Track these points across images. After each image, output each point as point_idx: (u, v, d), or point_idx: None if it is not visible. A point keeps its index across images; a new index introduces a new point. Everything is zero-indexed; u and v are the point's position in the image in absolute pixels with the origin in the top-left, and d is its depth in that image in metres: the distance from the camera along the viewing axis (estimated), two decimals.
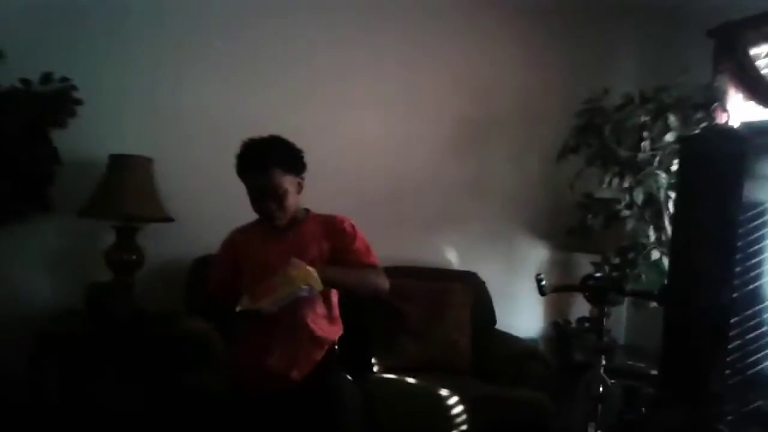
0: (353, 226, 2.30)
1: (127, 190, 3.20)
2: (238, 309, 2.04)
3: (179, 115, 3.52)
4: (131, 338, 3.05)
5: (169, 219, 3.31)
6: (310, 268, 2.06)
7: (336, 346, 2.32)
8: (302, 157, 2.26)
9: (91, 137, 3.34)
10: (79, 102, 3.27)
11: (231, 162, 3.23)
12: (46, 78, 3.24)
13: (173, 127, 3.51)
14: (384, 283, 2.26)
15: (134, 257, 3.25)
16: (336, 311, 2.30)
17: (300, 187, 2.24)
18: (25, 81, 3.19)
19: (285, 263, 2.07)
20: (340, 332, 2.31)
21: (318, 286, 2.06)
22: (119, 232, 3.23)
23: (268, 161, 2.19)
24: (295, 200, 2.23)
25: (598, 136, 3.49)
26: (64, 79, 3.26)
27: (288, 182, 2.19)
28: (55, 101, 3.24)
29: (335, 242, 2.25)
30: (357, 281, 2.23)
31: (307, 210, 2.31)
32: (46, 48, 3.32)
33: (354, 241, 2.27)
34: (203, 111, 3.54)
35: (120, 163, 3.24)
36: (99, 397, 3.05)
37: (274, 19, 3.65)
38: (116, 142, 3.32)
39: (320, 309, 2.24)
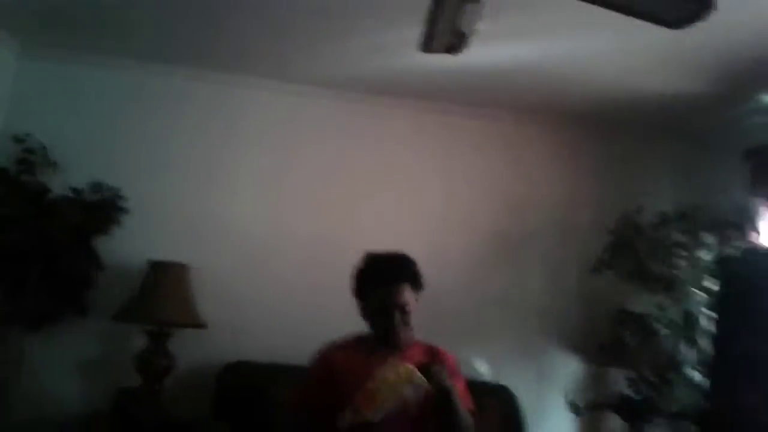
0: (458, 363, 2.25)
1: (162, 295, 3.26)
2: (340, 425, 1.93)
3: (217, 224, 3.64)
4: None
5: (202, 325, 3.34)
6: (409, 366, 1.98)
7: None
8: (422, 277, 2.23)
9: (133, 244, 3.47)
10: (125, 210, 3.40)
11: (266, 271, 3.32)
12: (97, 187, 3.40)
13: (211, 235, 3.62)
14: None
15: (165, 363, 3.27)
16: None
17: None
18: (75, 190, 3.35)
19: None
20: None
21: (422, 381, 1.95)
22: (151, 336, 3.27)
23: (401, 276, 2.18)
24: None
25: (632, 253, 3.47)
26: (112, 188, 3.41)
27: (413, 300, 2.18)
28: (103, 209, 3.40)
29: None
30: (463, 417, 2.10)
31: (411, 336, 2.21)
32: (97, 158, 3.51)
33: (458, 381, 2.19)
34: (242, 221, 3.68)
35: (158, 268, 3.32)
36: None
37: (312, 131, 3.81)
38: (156, 248, 3.44)
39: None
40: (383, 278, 2.17)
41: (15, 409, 3.21)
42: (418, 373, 1.96)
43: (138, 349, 3.27)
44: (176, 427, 3.09)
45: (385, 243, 3.55)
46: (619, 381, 3.67)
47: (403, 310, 2.14)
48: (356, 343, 2.22)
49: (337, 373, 2.13)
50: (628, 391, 3.38)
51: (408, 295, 2.16)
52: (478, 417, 2.17)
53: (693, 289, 3.30)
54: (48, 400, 3.32)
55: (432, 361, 2.13)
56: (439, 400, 2.05)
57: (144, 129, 3.63)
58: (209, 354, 3.42)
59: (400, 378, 1.94)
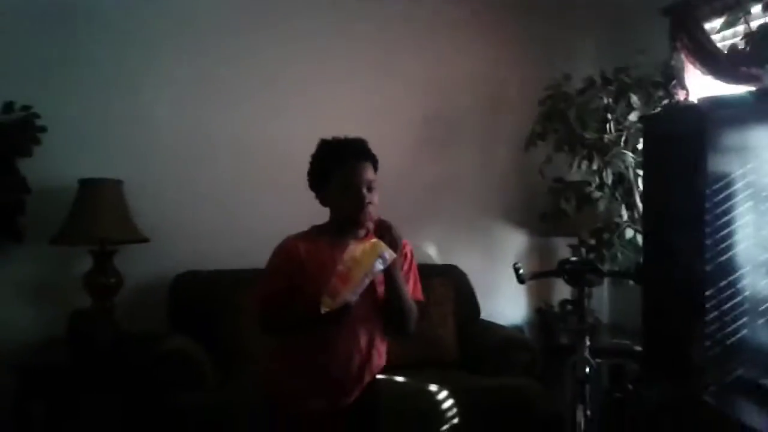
0: (413, 253, 2.24)
1: (99, 214, 3.18)
2: (323, 311, 1.91)
3: (145, 135, 3.52)
4: (115, 364, 3.02)
5: (144, 239, 3.29)
6: (375, 240, 1.98)
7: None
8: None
9: (58, 164, 3.33)
10: (43, 129, 3.25)
11: (200, 178, 3.25)
12: (8, 107, 3.21)
13: (140, 147, 3.50)
14: (415, 322, 2.16)
15: (113, 280, 3.23)
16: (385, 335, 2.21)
17: None
18: None
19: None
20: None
21: (389, 253, 1.96)
22: (95, 256, 3.21)
23: (365, 152, 2.16)
24: None
25: (563, 121, 3.53)
26: (26, 108, 3.24)
27: (375, 179, 2.15)
28: (19, 130, 3.22)
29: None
30: (408, 300, 2.13)
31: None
32: (5, 78, 3.29)
33: (411, 268, 2.21)
34: (169, 130, 3.55)
35: (90, 187, 3.22)
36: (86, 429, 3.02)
37: (238, 31, 3.65)
38: (84, 166, 3.30)
39: (380, 331, 2.16)
40: (347, 157, 2.13)
41: None
42: (383, 245, 1.97)
43: (84, 269, 3.21)
44: (134, 342, 3.09)
45: (315, 135, 3.55)
46: (563, 249, 3.83)
47: (370, 187, 2.12)
48: (317, 232, 2.20)
49: (303, 261, 2.10)
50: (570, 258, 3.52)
51: (372, 173, 2.15)
52: (425, 304, 2.23)
53: (623, 151, 3.40)
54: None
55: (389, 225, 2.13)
56: (387, 279, 2.08)
57: (52, 40, 3.39)
58: (156, 268, 3.39)
59: (368, 253, 1.95)
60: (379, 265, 1.96)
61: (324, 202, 2.19)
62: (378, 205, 2.13)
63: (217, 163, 3.60)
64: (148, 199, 3.41)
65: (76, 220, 3.18)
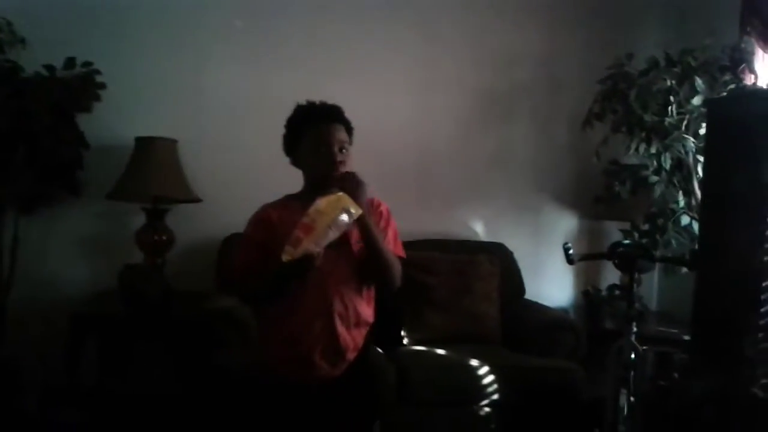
0: (389, 212, 2.25)
1: (153, 172, 3.23)
2: (284, 259, 1.88)
3: (201, 95, 3.55)
4: (164, 318, 3.10)
5: (196, 200, 3.34)
6: (339, 192, 1.98)
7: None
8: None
9: (116, 121, 3.39)
10: (102, 86, 3.31)
11: (254, 140, 3.26)
12: (70, 63, 3.28)
13: (196, 107, 3.54)
14: (399, 277, 2.18)
15: (164, 238, 3.30)
16: (371, 292, 2.23)
17: None
18: (49, 67, 3.23)
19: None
20: (374, 314, 2.24)
21: (355, 208, 1.95)
22: (148, 213, 3.27)
23: (339, 115, 2.20)
24: None
25: (623, 102, 3.44)
26: (87, 64, 3.30)
27: (349, 144, 2.18)
28: (80, 86, 3.28)
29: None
30: (387, 252, 2.14)
31: None
32: (68, 34, 3.36)
33: (387, 227, 2.22)
34: (224, 90, 3.57)
35: (145, 145, 3.27)
36: (134, 378, 3.12)
37: None
38: (141, 124, 3.36)
39: (362, 290, 2.17)
40: (319, 117, 2.18)
41: (20, 293, 3.24)
42: (349, 198, 1.95)
43: (137, 226, 3.29)
44: (182, 299, 3.15)
45: (370, 106, 3.55)
46: (614, 233, 3.75)
47: (342, 149, 2.15)
48: (288, 200, 2.22)
49: (275, 227, 2.12)
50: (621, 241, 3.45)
51: (344, 135, 2.18)
52: (403, 262, 2.22)
53: (684, 135, 3.30)
54: (54, 282, 3.37)
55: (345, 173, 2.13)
56: (363, 233, 2.08)
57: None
58: (208, 228, 3.44)
59: (332, 204, 1.93)
60: (344, 218, 1.92)
61: (297, 163, 2.21)
62: (350, 166, 2.15)
63: (272, 126, 3.58)
64: (202, 159, 3.45)
65: (131, 177, 3.24)
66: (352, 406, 2.16)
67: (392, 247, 2.20)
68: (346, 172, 2.12)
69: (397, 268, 2.17)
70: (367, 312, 2.21)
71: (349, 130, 2.21)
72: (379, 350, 2.85)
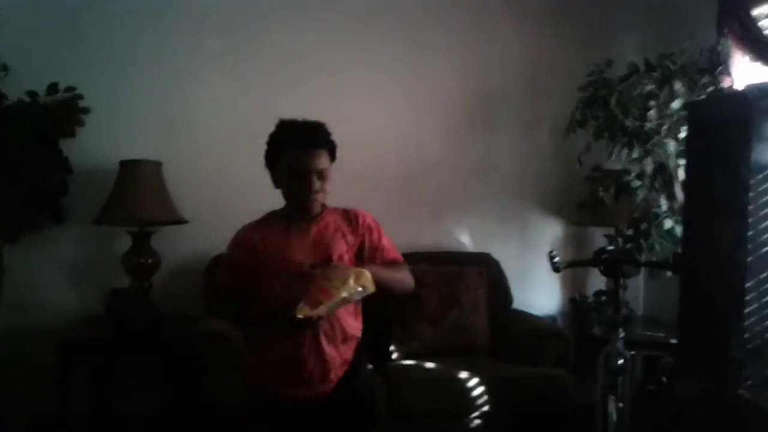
0: (376, 221, 2.25)
1: (139, 195, 3.24)
2: (299, 316, 1.94)
3: (185, 116, 3.56)
4: (153, 342, 3.09)
5: (182, 221, 3.34)
6: (362, 269, 2.02)
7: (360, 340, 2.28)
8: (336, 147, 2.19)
9: (100, 145, 3.40)
10: (86, 111, 3.33)
11: (238, 159, 3.26)
12: (52, 89, 3.29)
13: (180, 129, 3.55)
14: (412, 280, 2.26)
15: (150, 261, 3.29)
16: (359, 306, 2.22)
17: None
18: (31, 93, 3.25)
19: (323, 264, 2.05)
20: (362, 326, 2.26)
21: (371, 286, 2.01)
22: (134, 237, 3.27)
23: (318, 141, 2.13)
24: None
25: (604, 109, 3.46)
26: (70, 89, 3.31)
27: (329, 167, 2.14)
28: (63, 111, 3.30)
29: (363, 238, 2.19)
30: (397, 280, 2.21)
31: (323, 203, 2.21)
32: (49, 59, 3.38)
33: (381, 237, 2.23)
34: (208, 111, 3.58)
35: (130, 168, 3.28)
36: (125, 403, 3.11)
37: (272, 13, 3.65)
38: (125, 147, 3.36)
39: (352, 306, 2.16)
40: (298, 142, 2.12)
41: (7, 321, 3.23)
42: (368, 275, 2.01)
43: (123, 249, 3.28)
44: (171, 322, 3.14)
45: (353, 122, 3.56)
46: (599, 238, 3.76)
47: (321, 175, 2.11)
48: (270, 218, 2.21)
49: (257, 249, 2.12)
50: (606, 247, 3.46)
51: (326, 161, 2.13)
52: (406, 262, 2.31)
53: (665, 139, 3.32)
54: (41, 309, 3.35)
55: (352, 224, 2.19)
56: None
57: (93, 24, 3.45)
58: (194, 249, 3.44)
59: (356, 279, 2.00)
60: (359, 295, 2.02)
61: (274, 182, 2.19)
62: (329, 192, 2.15)
63: (256, 146, 3.60)
64: (187, 180, 3.46)
65: (116, 201, 3.24)
66: (345, 422, 2.16)
67: (394, 255, 2.24)
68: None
69: (410, 281, 2.26)
70: (355, 326, 2.21)
71: (332, 151, 2.16)
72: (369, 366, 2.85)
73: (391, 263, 2.23)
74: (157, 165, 3.34)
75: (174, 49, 3.55)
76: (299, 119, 2.17)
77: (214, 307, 2.33)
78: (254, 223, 2.23)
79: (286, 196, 2.18)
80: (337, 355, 2.14)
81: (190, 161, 3.50)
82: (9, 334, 3.24)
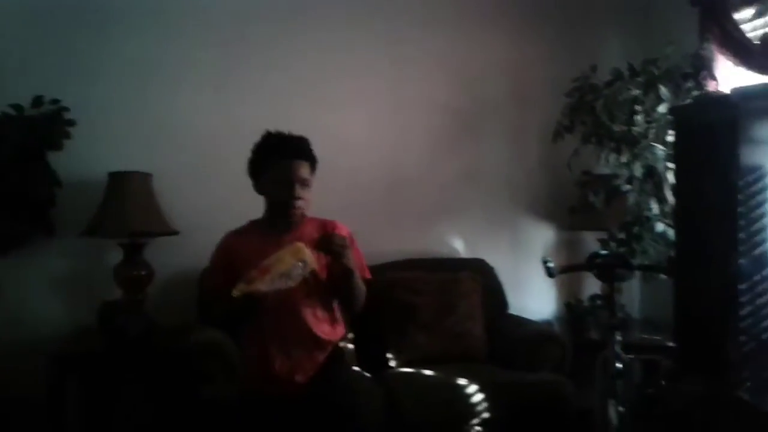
0: (352, 237, 2.36)
1: (129, 206, 3.20)
2: (234, 294, 2.06)
3: (173, 127, 3.52)
4: (147, 354, 3.06)
5: (173, 232, 3.31)
6: (300, 244, 2.12)
7: (341, 345, 2.37)
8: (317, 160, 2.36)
9: (88, 157, 3.35)
10: (71, 123, 3.28)
11: (227, 168, 3.25)
12: (37, 101, 3.25)
13: (169, 140, 3.51)
14: (363, 301, 2.36)
15: (143, 273, 3.26)
16: (337, 313, 2.37)
17: None
18: (16, 106, 3.20)
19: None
20: (343, 333, 2.35)
21: (311, 261, 2.10)
22: (126, 249, 3.23)
23: (302, 152, 2.30)
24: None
25: (590, 114, 3.50)
26: (55, 101, 3.27)
27: (310, 178, 2.31)
28: (48, 124, 3.25)
29: None
30: (360, 294, 2.32)
31: (303, 213, 2.36)
32: (34, 72, 3.34)
33: (356, 253, 2.34)
34: (197, 121, 3.55)
35: (119, 180, 3.24)
36: (119, 417, 3.07)
37: (257, 24, 3.64)
38: (114, 159, 3.33)
39: (320, 312, 2.30)
40: (284, 153, 2.29)
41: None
42: (307, 251, 2.10)
43: (114, 262, 3.25)
44: (164, 333, 3.11)
45: (339, 129, 3.56)
46: (592, 243, 3.79)
47: (304, 184, 2.28)
48: (252, 226, 2.39)
49: (235, 254, 2.30)
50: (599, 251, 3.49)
51: (306, 171, 2.31)
52: (371, 282, 2.42)
53: (653, 143, 3.36)
54: (33, 323, 3.30)
55: (329, 235, 2.27)
56: (342, 278, 2.25)
57: (79, 34, 3.42)
58: (186, 260, 3.37)
59: (290, 252, 2.10)
60: (299, 269, 2.09)
61: (258, 190, 2.38)
62: (310, 201, 2.31)
63: (246, 155, 3.59)
64: (177, 191, 3.42)
65: (106, 213, 3.20)
66: (317, 424, 2.22)
67: (362, 272, 2.35)
68: (335, 235, 2.24)
69: (363, 299, 2.35)
70: (329, 331, 2.32)
71: (313, 164, 2.34)
72: (366, 374, 2.84)
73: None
74: (147, 176, 3.31)
75: (161, 60, 3.51)
76: (285, 132, 2.35)
77: (207, 313, 2.44)
78: (236, 229, 2.43)
79: (269, 203, 2.36)
80: (306, 359, 2.26)
81: (180, 172, 3.47)
82: (0, 348, 3.19)
